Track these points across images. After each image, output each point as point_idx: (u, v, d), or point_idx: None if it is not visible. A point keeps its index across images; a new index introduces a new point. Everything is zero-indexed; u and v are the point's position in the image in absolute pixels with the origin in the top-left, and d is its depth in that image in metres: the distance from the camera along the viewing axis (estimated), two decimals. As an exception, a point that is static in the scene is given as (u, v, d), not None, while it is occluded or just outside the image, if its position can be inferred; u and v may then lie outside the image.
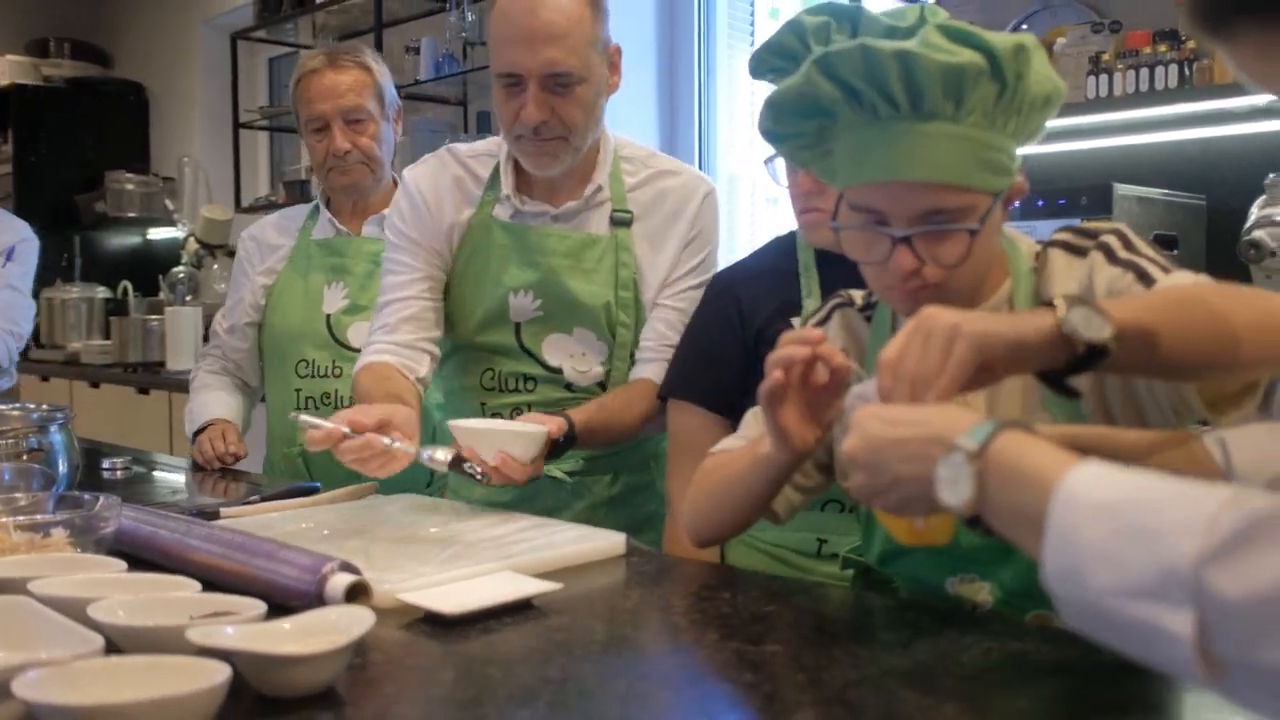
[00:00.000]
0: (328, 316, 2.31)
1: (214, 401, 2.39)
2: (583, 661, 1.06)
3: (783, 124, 1.22)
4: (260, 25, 5.14)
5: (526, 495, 1.87)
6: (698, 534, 1.39)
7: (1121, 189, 2.32)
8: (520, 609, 1.23)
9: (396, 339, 1.85)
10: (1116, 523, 0.69)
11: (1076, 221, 1.34)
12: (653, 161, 1.95)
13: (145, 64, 6.08)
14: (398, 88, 4.56)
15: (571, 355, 1.88)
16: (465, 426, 1.62)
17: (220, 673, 0.86)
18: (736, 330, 1.67)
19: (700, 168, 3.83)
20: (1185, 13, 0.76)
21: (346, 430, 1.53)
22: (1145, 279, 1.15)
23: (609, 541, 1.47)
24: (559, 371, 1.89)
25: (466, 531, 1.51)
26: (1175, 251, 2.40)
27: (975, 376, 0.96)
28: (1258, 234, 2.16)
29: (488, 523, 1.57)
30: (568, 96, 1.75)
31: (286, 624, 1.02)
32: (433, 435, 2.11)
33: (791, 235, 1.74)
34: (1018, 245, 1.28)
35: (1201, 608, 0.63)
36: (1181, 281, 1.13)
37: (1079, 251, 1.23)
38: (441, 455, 1.57)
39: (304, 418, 1.59)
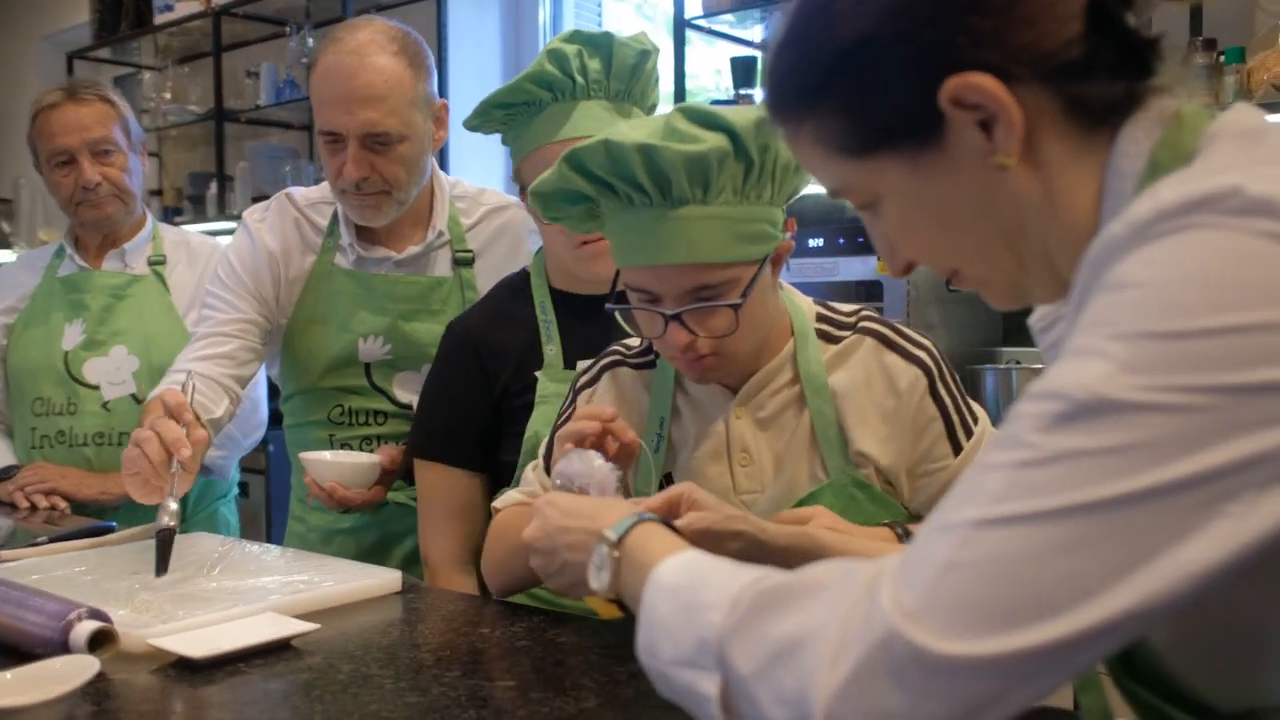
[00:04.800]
0: (65, 353, 2.28)
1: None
2: (317, 703, 1.09)
3: (552, 209, 1.27)
4: (99, 44, 5.03)
5: (373, 521, 1.91)
6: (499, 588, 1.45)
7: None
8: (278, 650, 1.25)
9: (200, 371, 1.82)
10: (677, 601, 0.78)
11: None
12: (483, 199, 2.01)
13: (-20, 81, 5.87)
14: (238, 111, 4.57)
15: (419, 390, 1.92)
16: (307, 458, 1.80)
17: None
18: (481, 386, 1.65)
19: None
20: (767, 99, 0.84)
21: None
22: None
23: (383, 579, 1.50)
24: (409, 407, 1.92)
25: (244, 571, 1.52)
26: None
27: None
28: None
29: (268, 562, 1.58)
30: (388, 155, 1.79)
31: (9, 674, 1.03)
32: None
33: (524, 275, 1.72)
34: (798, 303, 1.34)
35: (724, 672, 0.72)
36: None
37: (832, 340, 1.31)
38: (173, 508, 1.53)
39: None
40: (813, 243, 2.61)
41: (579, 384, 1.43)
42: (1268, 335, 0.58)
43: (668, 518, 1.08)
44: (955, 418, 1.27)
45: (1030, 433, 0.62)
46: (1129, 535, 0.59)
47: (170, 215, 4.89)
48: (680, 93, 3.16)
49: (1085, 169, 0.74)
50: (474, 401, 1.65)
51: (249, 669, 1.20)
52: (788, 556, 1.09)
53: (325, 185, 1.96)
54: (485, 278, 1.94)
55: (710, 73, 3.92)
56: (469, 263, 1.96)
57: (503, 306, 1.70)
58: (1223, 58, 2.28)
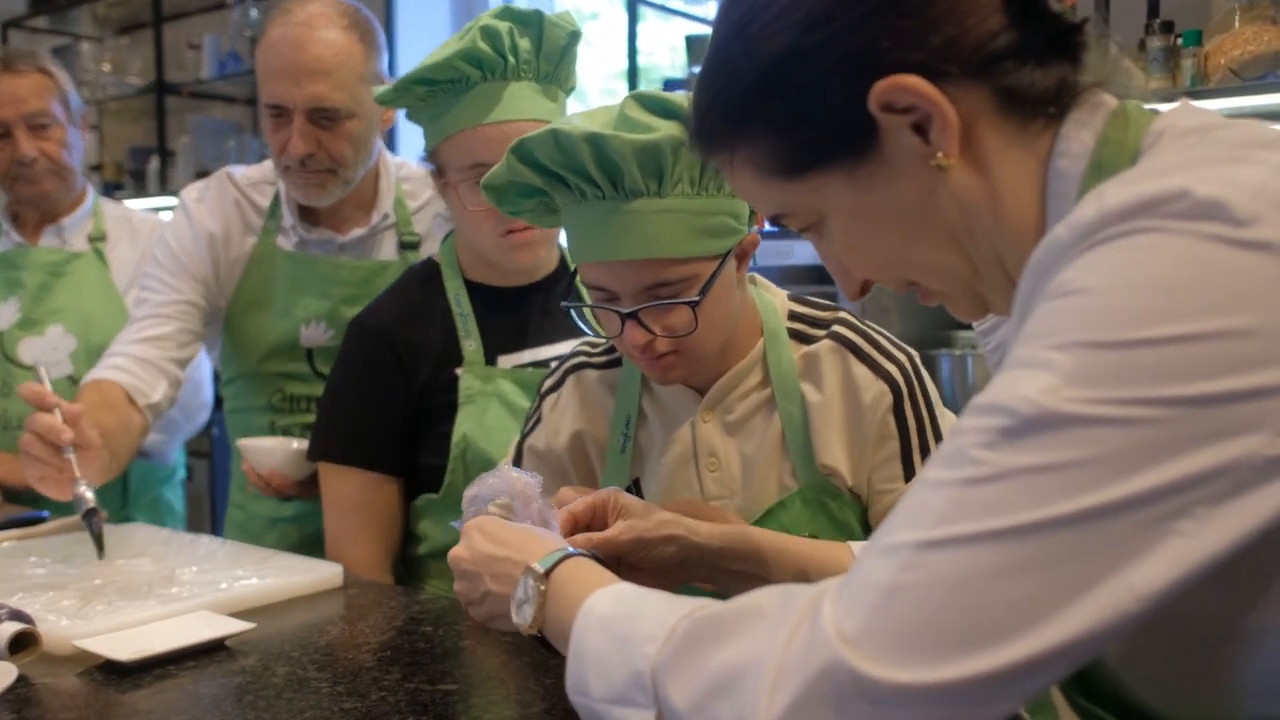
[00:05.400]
0: (0, 334, 2.20)
1: None
2: (250, 709, 1.04)
3: (507, 204, 1.21)
4: (35, 13, 4.88)
5: (315, 509, 1.79)
6: None
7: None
8: (210, 651, 1.20)
9: (137, 354, 1.75)
10: (609, 633, 0.75)
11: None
12: (431, 181, 1.93)
13: (-90, 50, 5.67)
14: (180, 84, 4.45)
15: None
16: (245, 444, 1.76)
17: None
18: (399, 385, 1.55)
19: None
20: (693, 132, 0.81)
21: (58, 411, 1.49)
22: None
23: (324, 574, 1.46)
24: None
25: (179, 565, 1.46)
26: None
27: None
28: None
29: (205, 555, 1.53)
30: (335, 131, 1.73)
31: (-80, 685, 0.97)
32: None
33: (432, 265, 1.63)
34: (770, 299, 1.27)
35: (660, 707, 0.69)
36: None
37: (807, 341, 1.24)
38: (88, 494, 1.50)
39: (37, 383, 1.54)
40: (766, 225, 2.57)
41: (543, 388, 1.36)
42: (1216, 344, 0.56)
43: (596, 528, 1.06)
44: (915, 440, 1.20)
45: (975, 449, 0.60)
46: (1078, 556, 0.56)
47: (110, 190, 4.77)
48: (633, 70, 3.11)
49: (1026, 166, 0.72)
50: (392, 402, 1.56)
51: (179, 671, 1.15)
52: (722, 558, 1.06)
53: (267, 165, 1.89)
54: None
55: (665, 50, 3.87)
56: (415, 246, 1.91)
57: (415, 299, 1.60)
58: (1180, 40, 2.27)
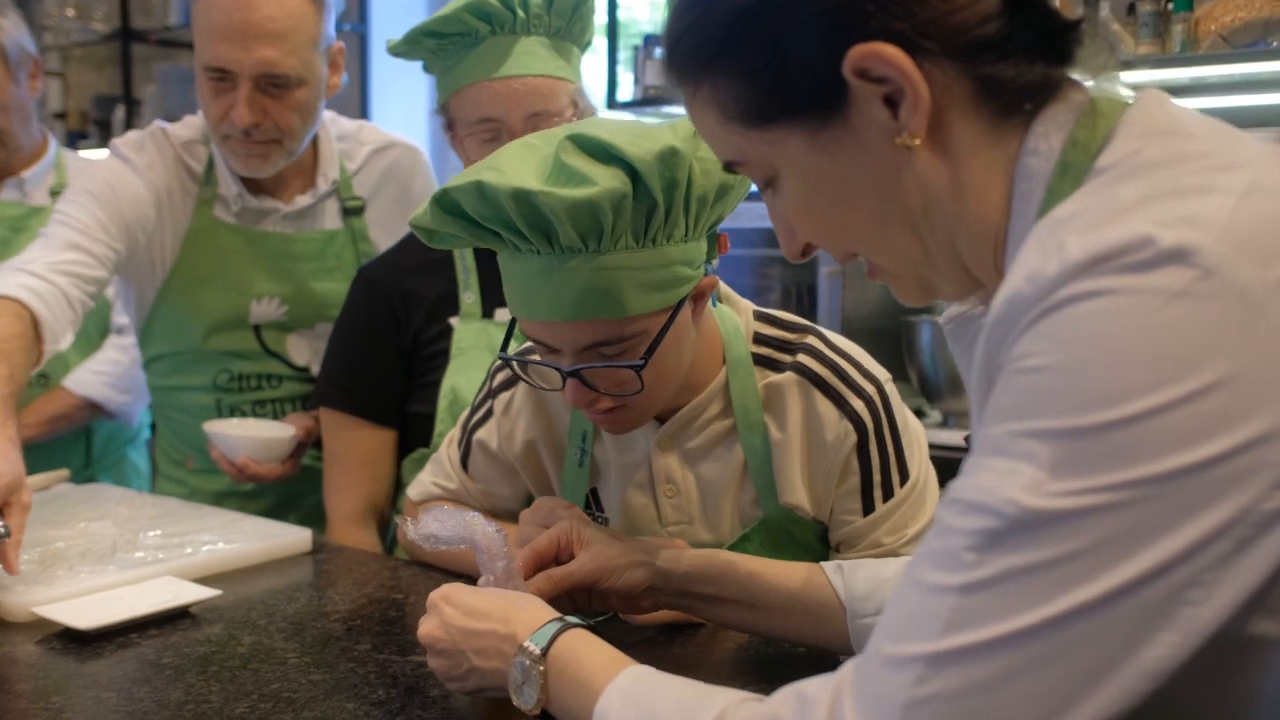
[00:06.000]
0: None
1: None
2: (214, 680, 1.01)
3: (439, 242, 1.08)
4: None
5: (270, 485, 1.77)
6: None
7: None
8: (175, 619, 1.17)
9: (63, 288, 1.48)
10: None
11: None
12: (363, 137, 1.86)
13: None
14: (147, 31, 4.33)
15: (316, 351, 1.80)
16: (213, 431, 1.65)
17: None
18: (391, 334, 1.55)
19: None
20: (665, 60, 0.77)
21: None
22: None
23: (292, 539, 1.42)
24: (306, 370, 1.81)
25: (143, 529, 1.43)
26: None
27: None
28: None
29: (170, 517, 1.49)
30: (284, 99, 1.62)
31: None
32: None
33: None
34: (733, 320, 1.17)
35: None
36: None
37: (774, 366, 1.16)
38: None
39: None
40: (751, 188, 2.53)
41: (495, 384, 1.27)
42: (1192, 408, 0.54)
43: (563, 560, 1.03)
44: (878, 477, 1.14)
45: (966, 551, 0.58)
46: (1089, 646, 0.55)
47: (75, 140, 4.65)
48: (613, 25, 3.05)
49: (994, 160, 0.69)
50: (384, 351, 1.55)
51: (142, 640, 1.11)
52: (691, 581, 1.02)
53: (197, 122, 1.76)
54: (377, 227, 1.82)
55: (644, 4, 3.80)
56: (359, 212, 1.83)
57: (418, 251, 1.53)
58: (1171, 5, 2.24)
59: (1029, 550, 0.56)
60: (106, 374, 2.16)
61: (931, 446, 1.26)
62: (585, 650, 0.85)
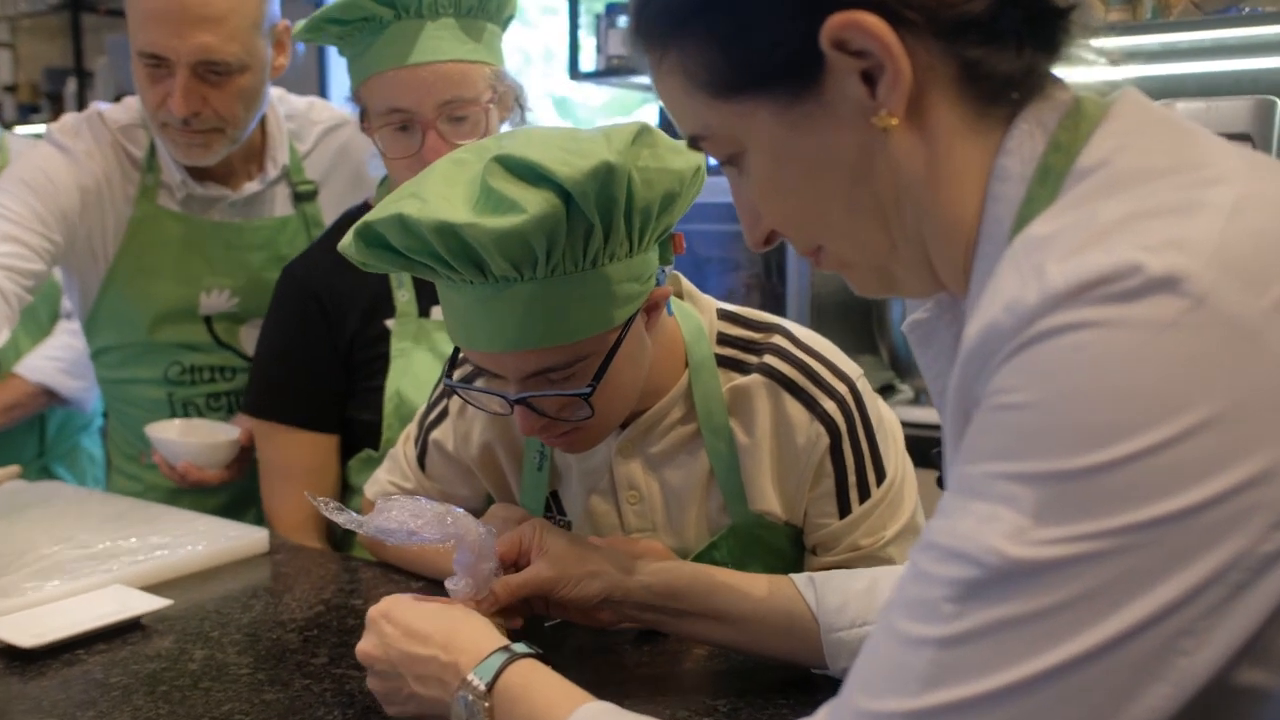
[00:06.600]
0: None
1: None
2: (163, 701, 0.97)
3: (374, 269, 1.01)
4: (-62, -78, 4.57)
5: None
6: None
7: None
8: (125, 631, 1.13)
9: None
10: None
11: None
12: (314, 115, 1.79)
13: None
14: (96, 1, 4.20)
15: None
16: (155, 435, 1.60)
17: None
18: (323, 336, 1.47)
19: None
20: (632, 23, 0.72)
21: None
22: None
23: (249, 540, 1.38)
24: None
25: (92, 532, 1.38)
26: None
27: None
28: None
29: (120, 520, 1.44)
30: (224, 87, 1.53)
31: None
32: None
33: (366, 209, 1.49)
34: (696, 320, 1.11)
35: None
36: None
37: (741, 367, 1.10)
38: None
39: None
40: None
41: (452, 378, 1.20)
42: (1183, 448, 0.50)
43: (523, 566, 0.99)
44: (853, 479, 1.10)
45: (946, 602, 0.54)
46: (1076, 702, 0.51)
47: (27, 113, 4.54)
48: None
49: (973, 153, 0.65)
50: (318, 355, 1.47)
51: (89, 656, 1.07)
52: (652, 595, 0.98)
53: (132, 105, 1.68)
54: (331, 212, 1.74)
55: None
56: (311, 196, 1.76)
57: None
58: (1141, -29, 2.20)
59: (1012, 602, 0.52)
60: (60, 359, 2.10)
61: (904, 425, 1.23)
62: (535, 684, 0.81)
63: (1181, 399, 0.50)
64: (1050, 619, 0.51)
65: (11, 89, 4.68)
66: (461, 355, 1.07)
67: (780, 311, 2.58)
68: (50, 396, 2.09)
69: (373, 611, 0.92)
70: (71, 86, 4.32)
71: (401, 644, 0.87)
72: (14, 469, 1.69)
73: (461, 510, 0.96)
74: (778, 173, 0.68)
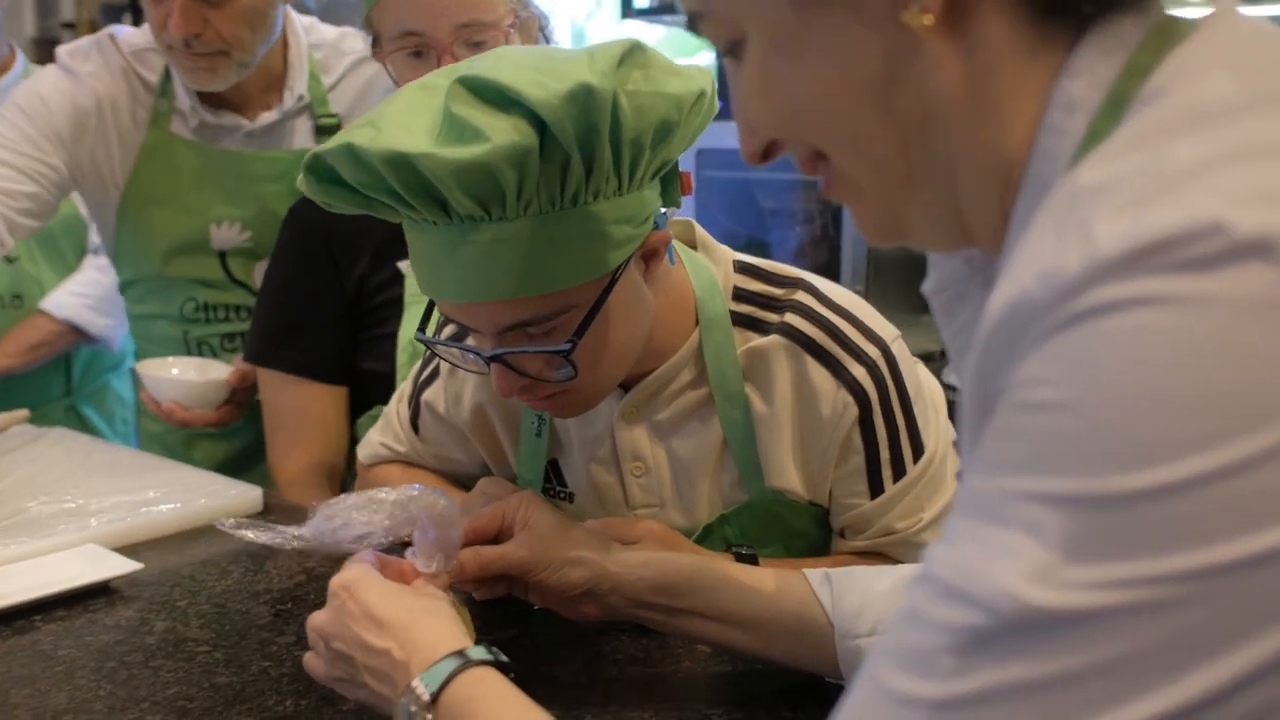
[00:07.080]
0: None
1: None
2: (106, 680, 0.89)
3: (339, 210, 0.89)
4: None
5: (246, 422, 1.63)
6: None
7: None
8: (89, 596, 1.05)
9: None
10: None
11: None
12: (344, 46, 1.69)
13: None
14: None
15: None
16: (143, 371, 1.56)
17: None
18: (332, 281, 1.38)
19: None
20: None
21: None
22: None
23: (240, 498, 1.30)
24: None
25: (79, 487, 1.30)
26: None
27: None
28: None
29: (110, 471, 1.37)
30: (224, 8, 1.45)
31: None
32: None
33: None
34: (710, 272, 1.00)
35: None
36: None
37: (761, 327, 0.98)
38: None
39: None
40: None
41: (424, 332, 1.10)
42: (1265, 472, 0.37)
43: (504, 539, 0.89)
44: (886, 454, 0.98)
45: (945, 654, 0.41)
46: None
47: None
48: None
49: (1029, 73, 0.51)
50: (323, 301, 1.39)
51: (45, 623, 1.00)
52: (643, 590, 0.86)
53: (147, 30, 1.60)
54: None
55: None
56: (334, 130, 1.66)
57: None
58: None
59: (1027, 661, 0.39)
60: (87, 296, 2.06)
61: (951, 390, 1.09)
62: (485, 700, 0.70)
63: (1271, 406, 0.37)
64: (1076, 688, 0.38)
65: (70, 25, 4.66)
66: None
67: (834, 269, 2.43)
68: (77, 334, 2.04)
69: (335, 581, 0.81)
70: (127, 22, 4.28)
71: (359, 627, 0.77)
72: (21, 413, 1.64)
73: (420, 486, 0.86)
74: (779, 68, 0.54)
